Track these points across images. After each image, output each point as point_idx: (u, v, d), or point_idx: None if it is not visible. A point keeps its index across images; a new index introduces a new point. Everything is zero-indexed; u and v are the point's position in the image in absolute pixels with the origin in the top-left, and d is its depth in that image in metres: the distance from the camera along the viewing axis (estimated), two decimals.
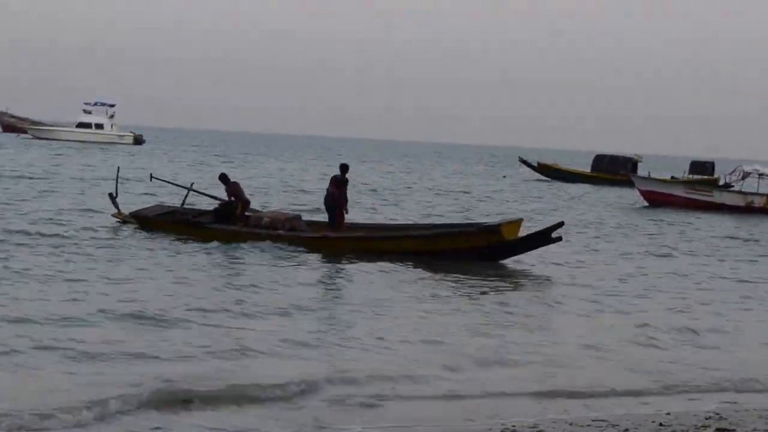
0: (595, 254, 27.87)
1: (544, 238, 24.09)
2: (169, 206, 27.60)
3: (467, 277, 21.63)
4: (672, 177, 75.65)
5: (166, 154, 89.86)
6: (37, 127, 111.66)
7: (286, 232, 24.89)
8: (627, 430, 10.59)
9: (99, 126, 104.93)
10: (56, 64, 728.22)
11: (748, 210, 48.96)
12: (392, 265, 22.49)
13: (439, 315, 17.22)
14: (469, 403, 11.96)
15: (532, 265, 24.03)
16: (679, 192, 51.60)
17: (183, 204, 27.33)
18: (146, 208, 27.46)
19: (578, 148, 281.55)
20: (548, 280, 22.34)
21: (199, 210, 27.28)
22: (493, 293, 20.02)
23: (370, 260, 22.83)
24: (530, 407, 11.86)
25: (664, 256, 28.55)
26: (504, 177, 79.75)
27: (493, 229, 23.88)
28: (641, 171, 71.31)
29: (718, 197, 50.75)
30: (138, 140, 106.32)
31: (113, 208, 27.47)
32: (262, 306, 16.93)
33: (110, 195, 27.62)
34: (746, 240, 35.42)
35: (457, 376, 13.16)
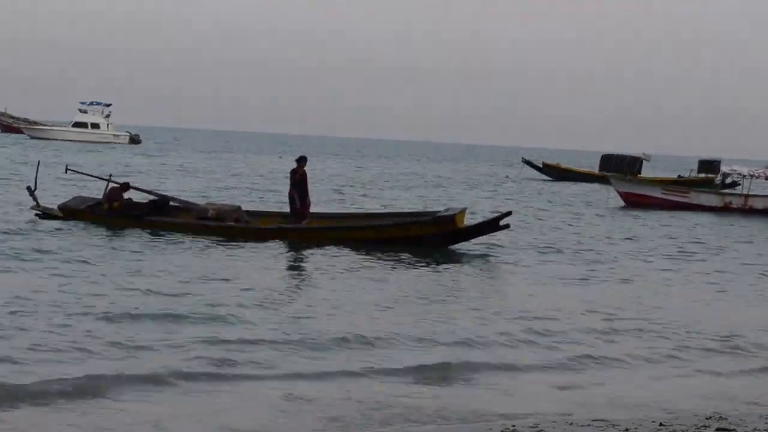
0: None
1: (493, 226, 26.31)
2: (90, 197, 27.91)
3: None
4: (679, 176, 75.41)
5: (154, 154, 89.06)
6: (33, 127, 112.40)
7: (236, 223, 25.71)
8: (627, 429, 10.48)
9: (95, 125, 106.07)
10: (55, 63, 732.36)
11: (725, 210, 49.16)
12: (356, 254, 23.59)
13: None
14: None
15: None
16: (656, 193, 51.94)
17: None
18: (69, 201, 27.80)
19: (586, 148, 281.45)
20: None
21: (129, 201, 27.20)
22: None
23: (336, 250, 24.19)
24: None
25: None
26: (507, 177, 78.46)
27: (447, 218, 25.69)
28: (647, 171, 70.68)
29: (695, 198, 51.23)
30: (134, 140, 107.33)
31: (32, 200, 27.28)
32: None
33: (28, 188, 27.49)
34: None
35: None
